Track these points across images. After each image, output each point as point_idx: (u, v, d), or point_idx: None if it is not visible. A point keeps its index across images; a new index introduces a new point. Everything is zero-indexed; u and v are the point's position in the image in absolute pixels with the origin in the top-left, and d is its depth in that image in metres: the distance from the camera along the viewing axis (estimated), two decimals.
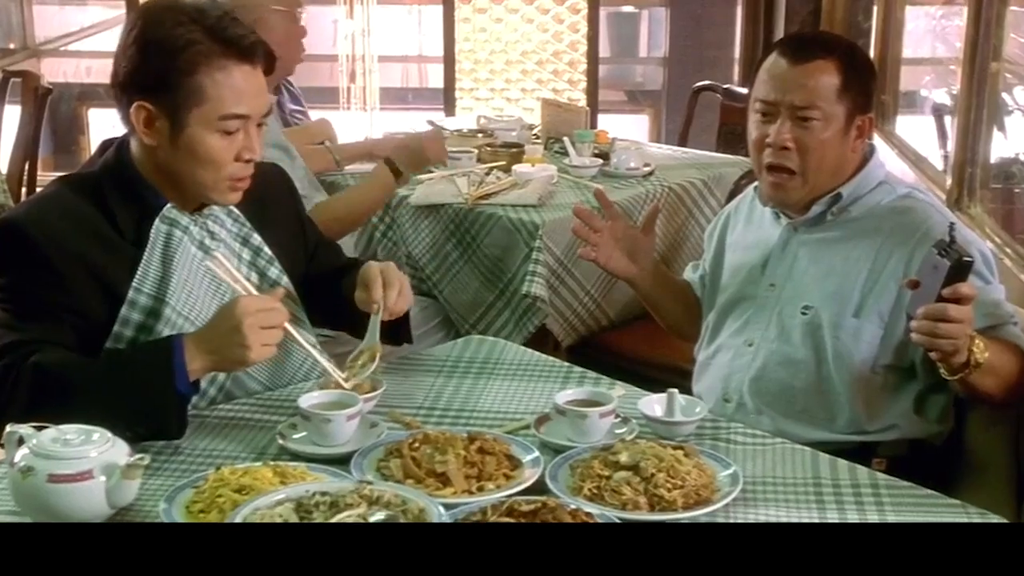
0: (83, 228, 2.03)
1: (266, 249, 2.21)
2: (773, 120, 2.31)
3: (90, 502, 1.68)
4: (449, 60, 5.75)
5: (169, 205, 2.09)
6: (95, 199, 2.06)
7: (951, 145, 3.55)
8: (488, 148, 3.93)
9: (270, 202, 2.26)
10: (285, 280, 2.22)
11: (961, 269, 1.96)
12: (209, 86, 2.00)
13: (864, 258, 2.29)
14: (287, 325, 1.99)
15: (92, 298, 2.01)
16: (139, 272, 2.05)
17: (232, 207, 2.17)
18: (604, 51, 9.83)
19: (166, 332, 2.04)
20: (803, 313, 2.32)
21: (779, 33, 5.51)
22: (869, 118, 2.33)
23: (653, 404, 2.02)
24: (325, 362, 2.07)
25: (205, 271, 2.10)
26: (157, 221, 2.07)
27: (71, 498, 1.67)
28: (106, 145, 2.17)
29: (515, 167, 3.72)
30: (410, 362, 2.32)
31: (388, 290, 2.15)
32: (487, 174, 3.69)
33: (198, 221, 2.12)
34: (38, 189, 4.09)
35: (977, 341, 2.03)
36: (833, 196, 2.34)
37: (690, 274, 2.71)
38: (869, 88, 2.34)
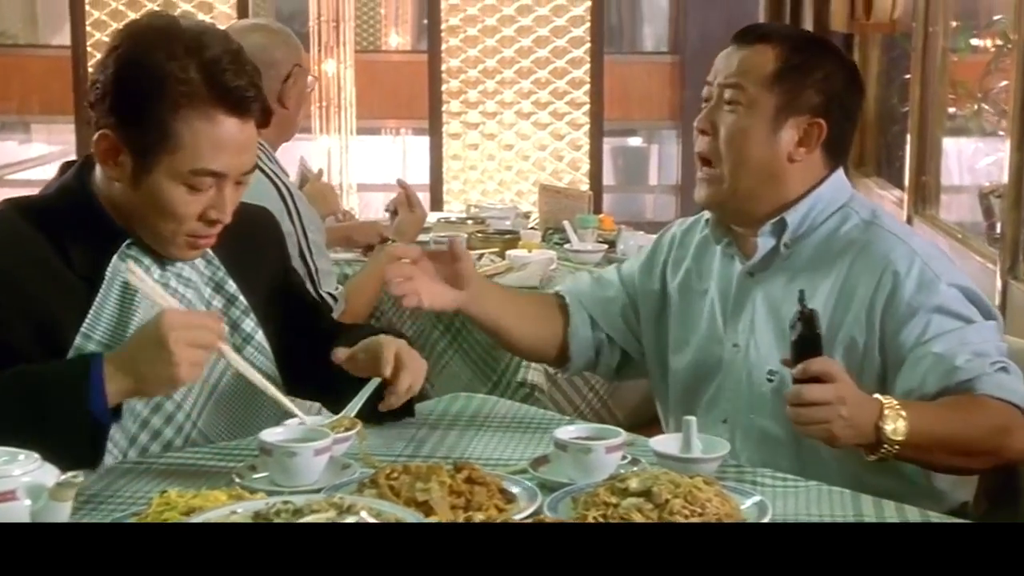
0: (28, 261, 1.98)
1: (241, 298, 2.15)
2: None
3: None
4: (436, 178, 5.80)
5: (131, 240, 2.03)
6: (45, 227, 2.01)
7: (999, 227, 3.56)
8: (479, 235, 3.92)
9: (253, 247, 2.21)
10: (260, 335, 2.16)
11: (804, 344, 1.92)
12: (186, 134, 1.94)
13: (823, 309, 2.14)
14: (225, 348, 1.93)
15: (27, 344, 1.94)
16: (91, 315, 1.98)
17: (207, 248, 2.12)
18: (608, 180, 9.91)
19: None
20: (769, 380, 2.22)
21: None
22: (818, 123, 2.22)
23: (668, 443, 1.96)
24: (283, 399, 2.01)
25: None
26: (115, 258, 2.01)
27: None
28: (67, 166, 2.11)
29: (509, 252, 3.71)
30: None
31: (401, 372, 2.06)
32: (479, 258, 3.67)
33: (164, 260, 2.06)
34: None
35: (888, 413, 1.95)
36: (776, 223, 2.24)
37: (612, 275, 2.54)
38: (827, 90, 2.24)
